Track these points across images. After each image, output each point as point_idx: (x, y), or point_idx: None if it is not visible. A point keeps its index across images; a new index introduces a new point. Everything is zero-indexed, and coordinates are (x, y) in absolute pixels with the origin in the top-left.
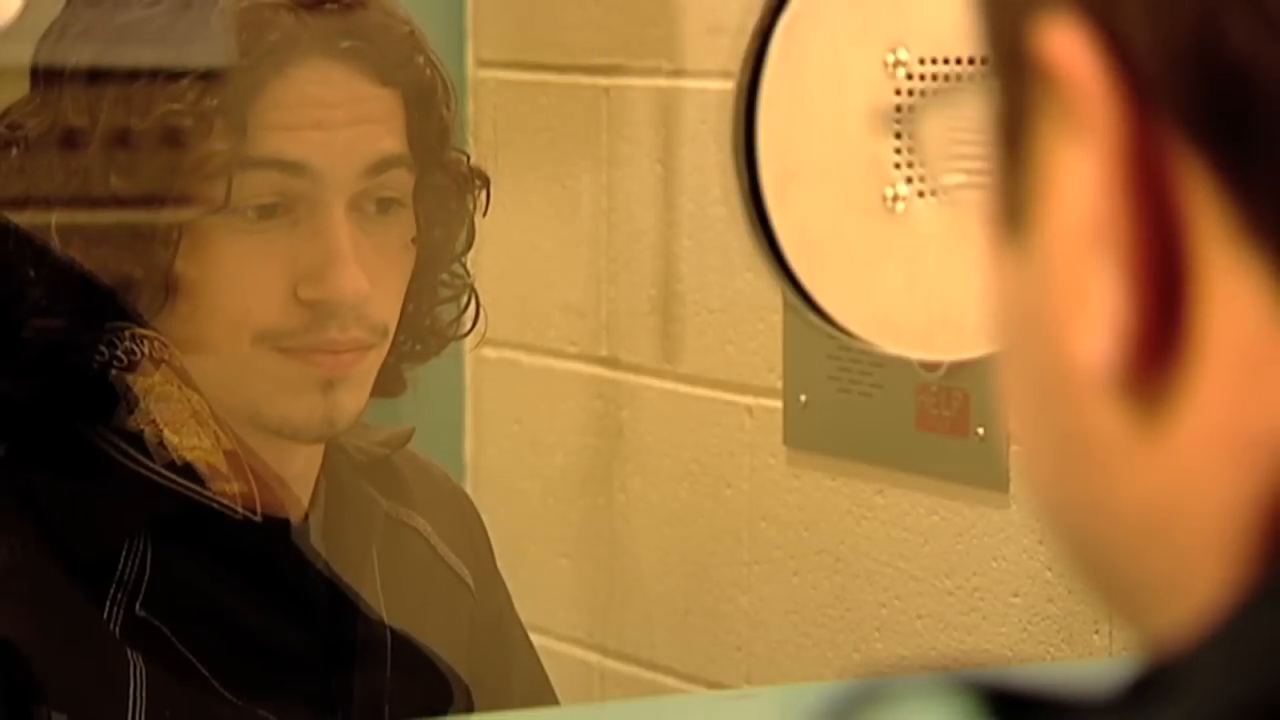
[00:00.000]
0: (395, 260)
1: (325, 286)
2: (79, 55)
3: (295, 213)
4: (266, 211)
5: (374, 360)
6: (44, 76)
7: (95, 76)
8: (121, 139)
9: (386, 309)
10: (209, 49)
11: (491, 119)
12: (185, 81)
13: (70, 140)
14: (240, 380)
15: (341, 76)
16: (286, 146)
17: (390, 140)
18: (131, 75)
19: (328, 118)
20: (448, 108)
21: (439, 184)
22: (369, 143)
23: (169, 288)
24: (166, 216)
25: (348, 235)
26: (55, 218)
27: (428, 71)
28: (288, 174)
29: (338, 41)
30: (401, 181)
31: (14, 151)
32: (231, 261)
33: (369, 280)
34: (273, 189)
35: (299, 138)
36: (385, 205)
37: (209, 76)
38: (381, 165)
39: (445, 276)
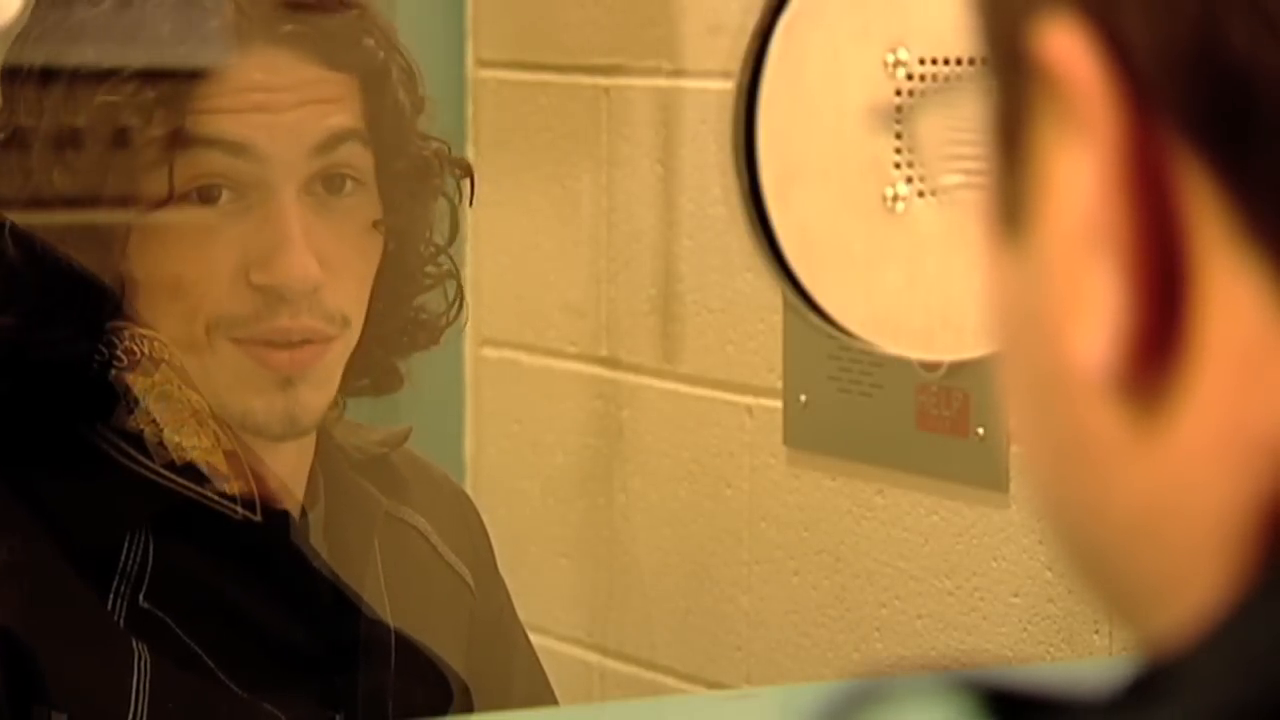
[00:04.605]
0: (355, 244)
1: (275, 271)
2: (34, 56)
3: (247, 199)
4: (208, 194)
5: (337, 353)
6: (6, 78)
7: (46, 76)
8: (66, 137)
9: (345, 296)
10: (149, 43)
11: (491, 119)
12: (124, 74)
13: (21, 141)
14: (201, 375)
15: (286, 62)
16: (228, 128)
17: (341, 117)
18: (76, 74)
19: (271, 101)
20: (406, 90)
21: (403, 168)
22: (316, 121)
23: (121, 284)
24: (113, 213)
25: (299, 219)
26: (9, 220)
27: (380, 54)
28: (231, 155)
29: (279, 27)
30: (357, 159)
31: None
32: (180, 250)
33: (324, 265)
34: (215, 170)
35: (241, 119)
36: (340, 185)
37: (148, 69)
38: (331, 141)
39: (429, 268)
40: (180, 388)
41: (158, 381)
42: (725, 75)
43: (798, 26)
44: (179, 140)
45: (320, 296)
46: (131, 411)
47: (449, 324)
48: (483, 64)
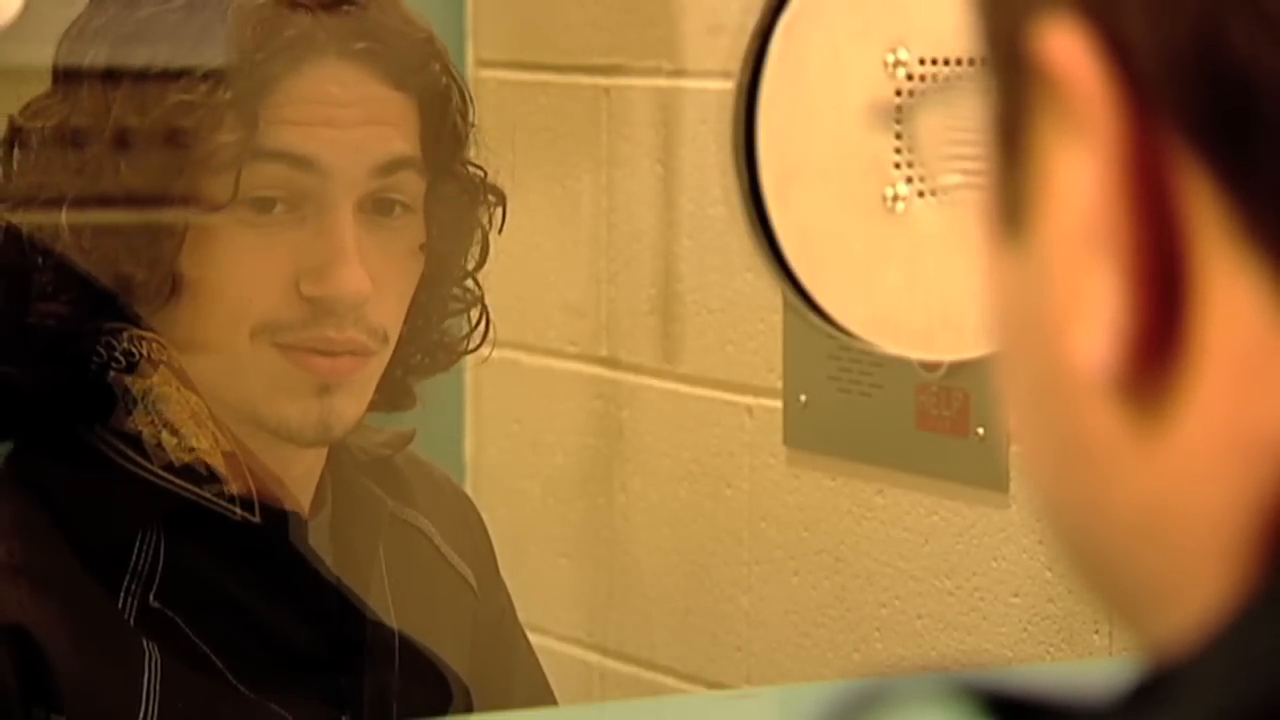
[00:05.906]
0: (400, 265)
1: (327, 283)
2: (95, 53)
3: (302, 210)
4: (265, 205)
5: (374, 368)
6: (62, 74)
7: (110, 73)
8: (133, 134)
9: (387, 313)
10: (223, 46)
11: (492, 119)
12: (198, 76)
13: (82, 137)
14: (240, 378)
15: (354, 77)
16: (296, 141)
17: (401, 143)
18: (145, 72)
19: (339, 116)
20: (462, 117)
21: (450, 193)
22: (379, 143)
23: (174, 283)
24: (175, 211)
25: (353, 234)
26: (66, 215)
27: (443, 79)
28: (295, 169)
29: (352, 43)
30: (411, 185)
31: (31, 149)
32: (234, 255)
33: (372, 282)
34: (279, 183)
35: (309, 134)
36: (393, 208)
37: (222, 72)
38: (391, 166)
39: (456, 291)
40: (179, 389)
41: (156, 383)
42: (725, 75)
43: (798, 26)
44: (247, 147)
45: (365, 311)
46: (130, 412)
47: (471, 350)
48: (483, 64)
